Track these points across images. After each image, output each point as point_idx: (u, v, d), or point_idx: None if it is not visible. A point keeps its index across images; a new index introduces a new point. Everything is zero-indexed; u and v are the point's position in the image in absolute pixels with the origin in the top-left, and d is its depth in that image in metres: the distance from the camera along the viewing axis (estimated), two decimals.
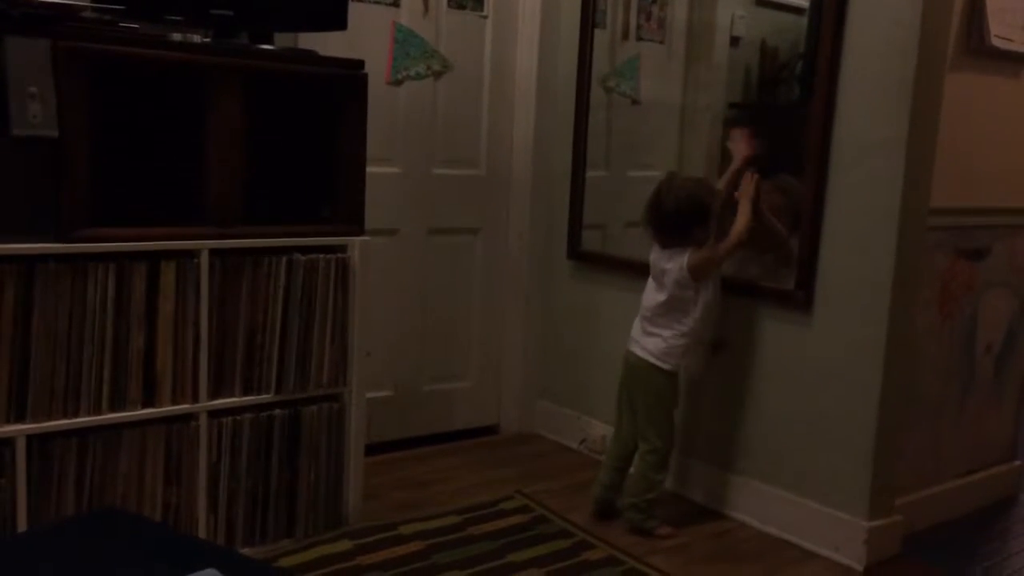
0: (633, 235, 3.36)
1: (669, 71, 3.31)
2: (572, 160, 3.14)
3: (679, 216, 2.40)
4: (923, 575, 2.35)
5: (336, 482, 2.37)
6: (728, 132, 2.75)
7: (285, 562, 2.17)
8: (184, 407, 2.11)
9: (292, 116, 2.24)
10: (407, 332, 3.05)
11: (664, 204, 2.42)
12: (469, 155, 3.13)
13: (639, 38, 3.35)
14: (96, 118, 1.93)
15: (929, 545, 2.51)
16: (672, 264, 2.43)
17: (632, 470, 2.55)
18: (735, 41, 3.27)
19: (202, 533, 2.15)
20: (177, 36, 2.08)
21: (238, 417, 2.19)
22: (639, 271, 2.95)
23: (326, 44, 2.48)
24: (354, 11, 2.42)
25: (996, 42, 2.48)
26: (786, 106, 3.14)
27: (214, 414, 2.16)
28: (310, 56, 2.28)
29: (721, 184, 2.60)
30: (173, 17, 2.19)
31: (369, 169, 2.39)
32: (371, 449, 2.83)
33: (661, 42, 3.37)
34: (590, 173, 3.16)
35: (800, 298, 2.46)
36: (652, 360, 2.46)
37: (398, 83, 2.94)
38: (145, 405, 2.06)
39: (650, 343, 2.48)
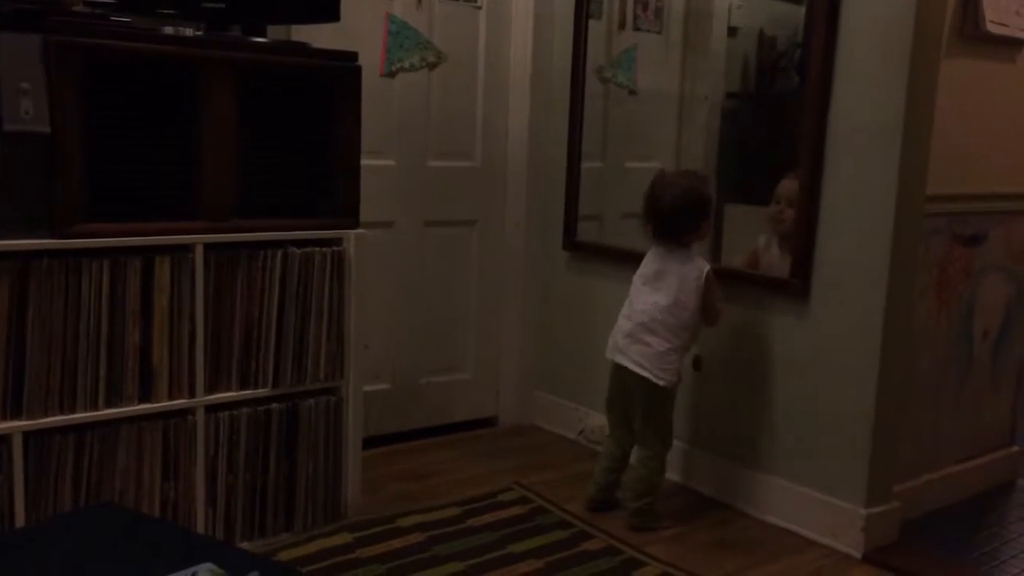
0: (630, 226, 3.36)
1: (666, 61, 3.30)
2: (567, 151, 3.13)
3: (680, 213, 2.37)
4: (921, 561, 2.35)
5: (334, 475, 2.37)
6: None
7: (284, 555, 2.18)
8: (181, 402, 2.11)
9: (286, 109, 2.23)
10: (404, 325, 3.05)
11: (662, 202, 2.38)
12: (464, 147, 3.13)
13: (636, 28, 3.34)
14: (88, 113, 1.92)
15: (927, 531, 2.52)
16: (686, 268, 2.38)
17: (632, 472, 2.51)
18: (733, 31, 3.26)
19: (200, 528, 2.15)
20: (169, 29, 2.07)
21: (235, 411, 2.19)
22: (636, 261, 2.95)
23: (319, 36, 2.47)
24: (347, 3, 2.41)
25: (991, 28, 2.47)
26: (784, 95, 3.13)
27: (211, 409, 2.16)
28: (303, 48, 2.27)
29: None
30: (165, 11, 2.18)
31: (364, 162, 2.38)
32: (369, 442, 2.83)
33: (658, 32, 3.36)
34: (586, 164, 3.16)
35: (797, 286, 2.45)
36: (651, 377, 2.38)
37: (392, 75, 2.93)
38: (142, 400, 2.06)
39: (643, 355, 2.39)
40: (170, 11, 2.18)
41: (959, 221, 2.58)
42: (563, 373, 3.21)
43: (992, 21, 2.48)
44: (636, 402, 2.45)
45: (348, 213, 2.35)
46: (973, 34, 2.46)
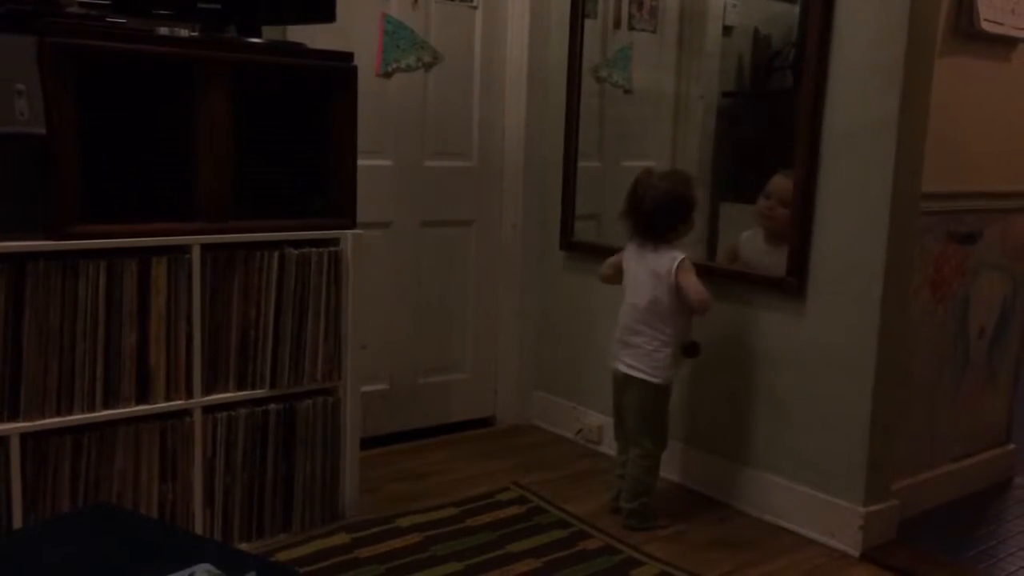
0: (627, 225, 3.36)
1: (662, 60, 3.30)
2: (564, 150, 3.14)
3: (661, 214, 2.36)
4: (919, 559, 2.35)
5: (332, 476, 2.37)
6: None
7: (282, 556, 2.18)
8: (178, 403, 2.11)
9: (282, 109, 2.23)
10: (402, 325, 3.05)
11: (644, 203, 2.37)
12: (461, 147, 3.13)
13: (631, 27, 3.34)
14: (84, 114, 1.92)
15: (925, 529, 2.52)
16: (659, 264, 2.38)
17: (627, 472, 2.50)
18: (728, 30, 3.27)
19: (198, 529, 2.15)
20: (164, 30, 2.06)
21: (233, 412, 2.19)
22: None
23: (315, 37, 2.46)
24: (342, 3, 2.41)
25: (986, 26, 2.48)
26: (779, 94, 3.14)
27: (208, 410, 2.15)
28: (299, 49, 2.27)
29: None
30: (160, 11, 2.18)
31: (360, 162, 2.38)
32: (367, 442, 2.83)
33: (653, 31, 3.36)
34: (583, 163, 3.16)
35: (793, 285, 2.46)
36: (643, 376, 2.40)
37: (388, 75, 2.93)
38: (139, 402, 2.06)
39: (634, 357, 2.41)
40: (165, 12, 2.18)
41: (954, 219, 2.59)
42: (561, 373, 3.22)
43: (987, 19, 2.48)
44: (632, 402, 2.45)
45: (345, 213, 2.35)
46: (968, 32, 2.47)
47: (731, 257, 2.68)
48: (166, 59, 2.02)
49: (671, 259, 2.37)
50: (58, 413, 1.95)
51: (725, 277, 2.68)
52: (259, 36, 2.26)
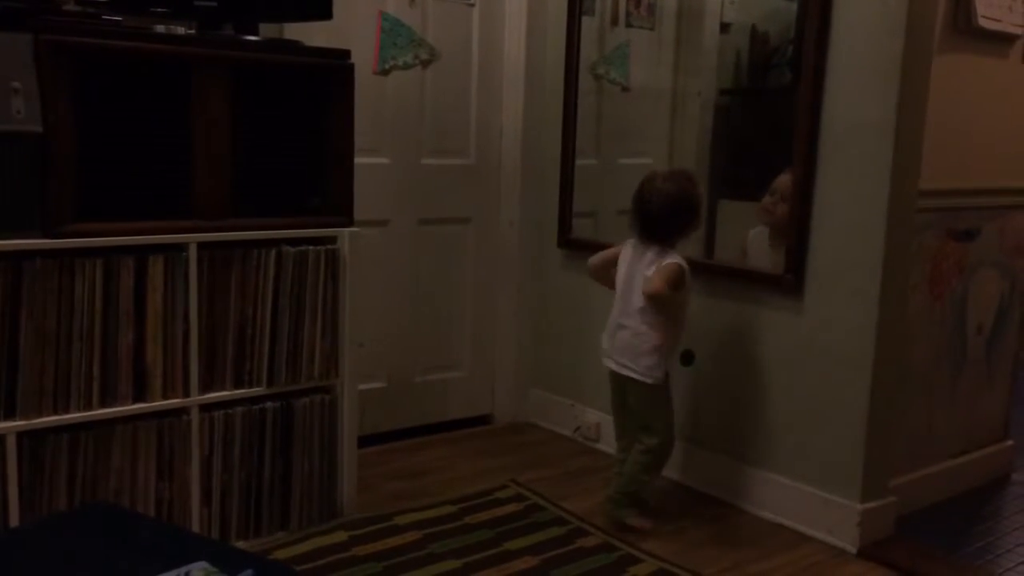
0: (625, 222, 3.36)
1: (659, 58, 3.30)
2: (561, 148, 3.13)
3: (666, 218, 2.33)
4: (917, 556, 2.35)
5: (330, 474, 2.36)
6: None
7: (280, 554, 2.17)
8: (175, 402, 2.10)
9: (279, 107, 2.23)
10: (399, 323, 3.05)
11: (651, 206, 2.34)
12: (458, 144, 3.12)
13: (628, 25, 3.33)
14: (80, 112, 1.91)
15: (922, 526, 2.52)
16: (653, 266, 2.35)
17: (623, 470, 2.50)
18: (725, 27, 3.26)
19: (196, 527, 2.15)
20: (161, 28, 2.06)
21: (230, 411, 2.19)
22: None
23: (312, 34, 2.46)
24: (339, 1, 2.41)
25: (983, 22, 2.48)
26: (777, 91, 3.13)
27: (205, 408, 2.15)
28: (295, 47, 2.27)
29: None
30: (157, 9, 2.17)
31: (358, 160, 2.38)
32: (365, 440, 2.83)
33: (651, 28, 3.36)
34: (580, 161, 3.16)
35: (790, 282, 2.46)
36: (636, 376, 2.39)
37: (385, 73, 2.93)
38: (136, 400, 2.05)
39: (626, 356, 2.39)
40: (162, 9, 2.18)
41: (952, 216, 2.59)
42: (559, 370, 3.21)
43: (984, 16, 2.48)
44: (631, 400, 2.45)
45: (342, 212, 2.34)
46: (965, 29, 2.47)
47: (740, 257, 2.68)
48: (163, 57, 2.02)
49: (663, 261, 2.35)
50: (55, 412, 1.95)
51: (723, 275, 2.68)
52: (256, 34, 2.26)
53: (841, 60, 2.34)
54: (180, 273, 2.08)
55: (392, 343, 3.03)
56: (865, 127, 2.30)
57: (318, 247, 2.28)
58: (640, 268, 2.38)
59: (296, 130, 2.27)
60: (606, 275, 2.52)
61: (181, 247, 2.08)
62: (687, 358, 2.54)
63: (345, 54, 2.29)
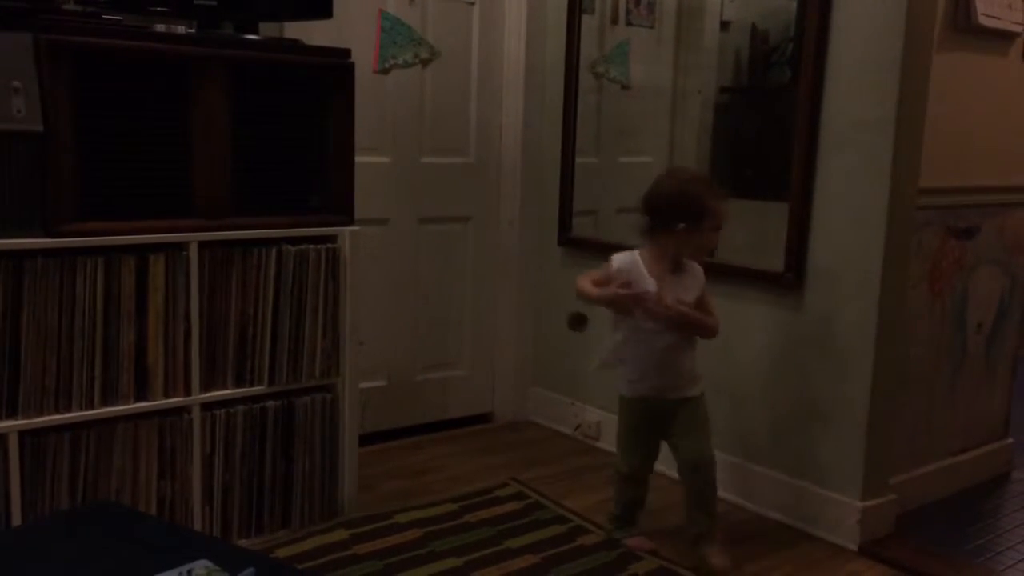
0: (625, 221, 3.36)
1: (659, 56, 3.30)
2: (561, 146, 3.14)
3: (665, 205, 2.16)
4: (917, 553, 2.36)
5: (331, 472, 2.37)
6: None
7: (281, 553, 2.18)
8: (176, 400, 2.11)
9: (279, 106, 2.23)
10: (400, 321, 3.05)
11: (654, 190, 2.21)
12: (458, 143, 3.13)
13: (628, 23, 3.33)
14: (81, 111, 1.92)
15: (923, 523, 2.53)
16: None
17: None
18: (725, 25, 3.26)
19: (197, 526, 2.15)
20: (161, 27, 2.06)
21: (231, 409, 2.19)
22: None
23: (312, 33, 2.46)
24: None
25: (983, 20, 2.48)
26: (777, 89, 3.13)
27: (207, 407, 2.15)
28: (295, 45, 2.27)
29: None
30: (157, 8, 2.18)
31: (358, 159, 2.38)
32: (366, 439, 2.84)
33: (651, 27, 3.36)
34: (580, 159, 3.16)
35: (790, 280, 2.46)
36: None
37: (385, 72, 2.93)
38: (137, 399, 2.06)
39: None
40: (162, 9, 2.18)
41: (952, 214, 2.59)
42: (559, 368, 3.22)
43: (984, 14, 2.48)
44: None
45: (342, 210, 2.34)
46: (965, 27, 2.47)
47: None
48: (162, 56, 2.02)
49: (617, 257, 2.22)
50: (56, 410, 1.95)
51: (723, 273, 2.68)
52: (256, 33, 2.26)
53: (841, 58, 2.34)
54: (181, 272, 2.08)
55: (392, 341, 3.04)
56: (865, 125, 2.30)
57: (319, 246, 2.28)
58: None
59: (296, 129, 2.27)
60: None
61: (182, 246, 2.08)
62: (576, 321, 2.40)
63: (345, 53, 2.29)
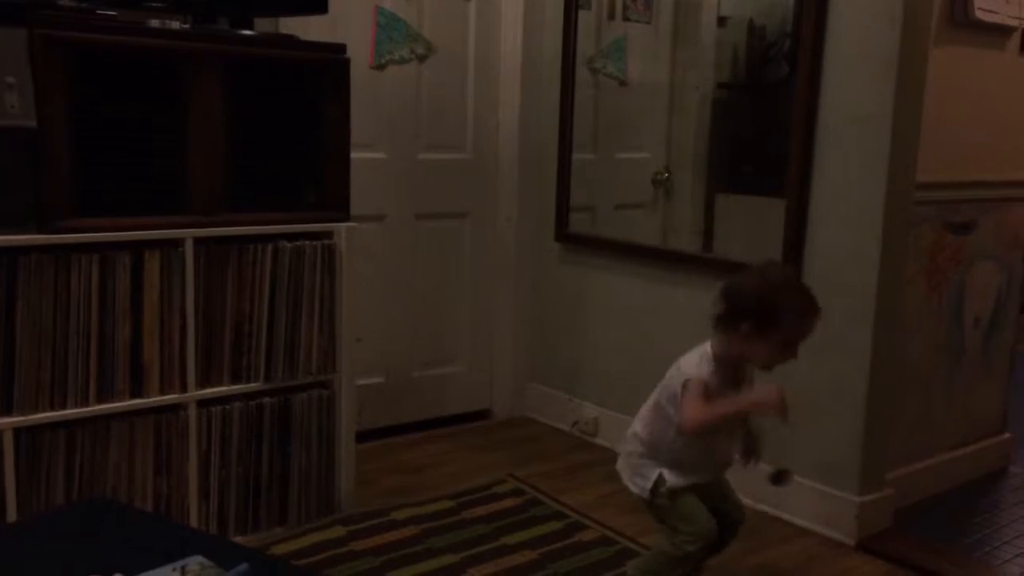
0: (622, 217, 3.36)
1: (656, 52, 3.30)
2: (558, 142, 3.13)
3: (737, 297, 1.88)
4: (914, 548, 2.36)
5: (328, 469, 2.36)
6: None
7: (278, 549, 2.17)
8: (172, 397, 2.10)
9: (275, 102, 2.22)
10: (397, 318, 3.05)
11: (737, 279, 1.93)
12: (455, 139, 3.12)
13: (626, 18, 3.33)
14: (75, 107, 1.91)
15: (920, 518, 2.53)
16: (681, 366, 1.94)
17: None
18: (722, 20, 3.25)
19: (194, 522, 2.15)
20: (156, 22, 2.05)
21: (227, 406, 2.18)
22: (629, 253, 2.96)
23: (307, 28, 2.46)
24: None
25: (980, 15, 2.47)
26: (775, 85, 3.13)
27: (203, 403, 2.15)
28: (291, 41, 2.26)
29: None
30: (152, 3, 2.17)
31: (354, 155, 2.38)
32: (363, 436, 2.83)
33: (648, 22, 3.35)
34: (577, 155, 3.15)
35: None
36: (629, 485, 2.01)
37: (382, 67, 2.92)
38: (133, 396, 2.05)
39: (622, 459, 2.04)
40: (157, 4, 2.17)
41: (949, 209, 2.58)
42: (556, 365, 3.21)
43: (981, 8, 2.48)
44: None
45: (338, 206, 2.34)
46: (962, 21, 2.46)
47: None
48: (157, 52, 2.01)
49: (688, 362, 1.93)
50: (51, 407, 1.94)
51: (720, 267, 2.68)
52: (251, 28, 2.25)
53: (838, 53, 2.34)
54: (177, 268, 2.07)
55: (390, 338, 3.03)
56: (862, 120, 2.30)
57: (315, 242, 2.27)
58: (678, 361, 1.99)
59: (292, 124, 2.26)
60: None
61: (177, 242, 2.07)
62: (779, 477, 2.00)
63: (340, 48, 2.29)
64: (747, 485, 2.58)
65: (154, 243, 2.04)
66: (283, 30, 2.50)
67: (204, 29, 2.14)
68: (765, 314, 1.84)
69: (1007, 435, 2.95)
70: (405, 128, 2.99)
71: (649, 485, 1.96)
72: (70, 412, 1.96)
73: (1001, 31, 2.59)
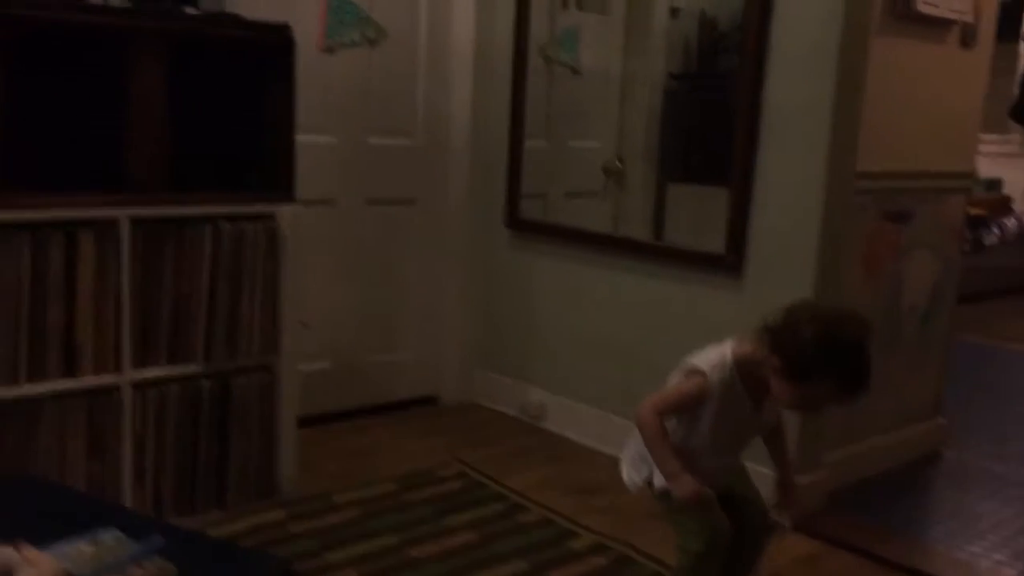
0: (575, 205, 3.38)
1: (609, 41, 3.31)
2: (510, 128, 3.13)
3: (791, 341, 1.63)
4: (847, 528, 2.40)
5: (268, 453, 2.35)
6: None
7: (214, 532, 2.14)
8: (107, 379, 2.07)
9: (218, 81, 2.20)
10: (345, 303, 3.03)
11: (803, 313, 1.68)
12: (406, 124, 3.11)
13: (579, 7, 3.34)
14: (10, 83, 1.87)
15: (854, 499, 2.58)
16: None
17: None
18: (675, 12, 3.28)
19: (129, 505, 2.12)
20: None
21: (164, 388, 2.16)
22: (579, 239, 2.97)
23: (256, 9, 2.42)
24: None
25: (922, 8, 2.52)
26: (725, 76, 3.16)
27: (139, 386, 2.12)
28: (234, 20, 2.24)
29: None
30: None
31: (304, 138, 2.36)
32: (309, 421, 2.81)
33: (601, 12, 3.37)
34: (530, 143, 3.16)
35: (731, 262, 2.49)
36: (624, 478, 1.87)
37: (331, 50, 2.90)
38: (65, 377, 2.02)
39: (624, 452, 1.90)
40: None
41: (888, 198, 2.63)
42: (505, 350, 3.22)
43: (923, 1, 2.52)
44: None
45: (282, 187, 2.32)
46: (904, 14, 2.50)
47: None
48: (97, 29, 1.98)
49: (704, 359, 1.77)
50: None
51: (669, 255, 2.71)
52: (195, 6, 2.22)
53: (782, 44, 2.37)
54: (112, 248, 2.04)
55: (338, 324, 3.02)
56: (803, 109, 2.33)
57: (257, 223, 2.25)
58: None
59: (235, 105, 2.24)
60: None
61: (113, 222, 2.04)
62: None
63: (285, 28, 2.26)
64: None
65: (89, 222, 2.01)
66: (230, 9, 2.46)
67: (146, 7, 2.11)
68: (801, 368, 1.62)
69: (941, 420, 3.02)
70: (356, 113, 2.97)
71: (639, 481, 1.82)
72: None
73: (942, 24, 2.64)
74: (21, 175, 1.92)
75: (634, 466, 1.84)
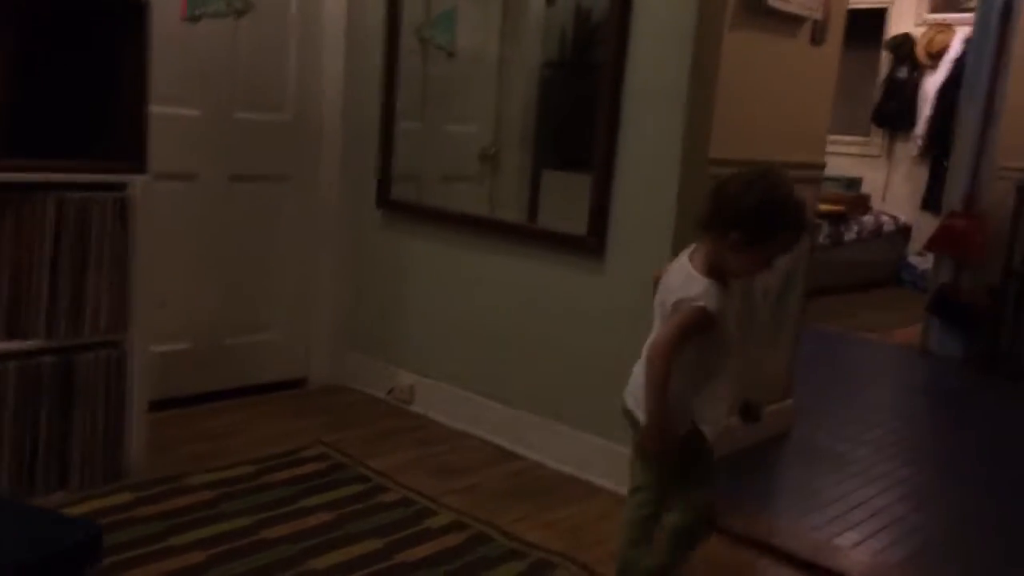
0: (449, 188, 3.37)
1: (486, 26, 3.32)
2: (381, 109, 3.10)
3: (733, 206, 1.68)
4: None
5: (116, 433, 2.26)
6: None
7: None
8: None
9: (66, 44, 2.10)
10: (207, 282, 2.94)
11: (732, 184, 1.71)
12: (274, 99, 3.03)
13: None
14: None
15: None
16: (683, 286, 1.77)
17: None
18: (552, 1, 3.32)
19: None
20: None
21: (1, 364, 2.05)
22: (452, 222, 2.97)
23: None
24: None
25: (773, 3, 2.63)
26: (597, 66, 3.22)
27: None
28: None
29: None
30: None
31: (164, 110, 2.29)
32: (168, 403, 2.72)
33: None
34: (405, 124, 3.13)
35: (592, 244, 2.55)
36: (634, 410, 1.87)
37: (195, 19, 2.79)
38: None
39: (632, 383, 1.88)
40: None
41: None
42: (375, 332, 3.20)
43: None
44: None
45: (133, 157, 2.22)
46: (757, 8, 2.60)
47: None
48: None
49: (689, 287, 1.75)
50: None
51: (533, 236, 2.75)
52: None
53: (642, 32, 2.44)
54: None
55: (200, 303, 2.92)
56: (661, 96, 2.41)
57: (105, 194, 2.16)
58: (669, 284, 1.84)
59: (84, 70, 2.14)
60: None
61: None
62: (748, 412, 1.90)
63: None
64: (546, 444, 2.67)
65: None
66: None
67: None
68: (762, 230, 1.68)
69: (790, 402, 3.18)
70: (220, 85, 2.88)
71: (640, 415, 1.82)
72: None
73: (794, 20, 2.76)
74: None
75: (635, 397, 1.85)
